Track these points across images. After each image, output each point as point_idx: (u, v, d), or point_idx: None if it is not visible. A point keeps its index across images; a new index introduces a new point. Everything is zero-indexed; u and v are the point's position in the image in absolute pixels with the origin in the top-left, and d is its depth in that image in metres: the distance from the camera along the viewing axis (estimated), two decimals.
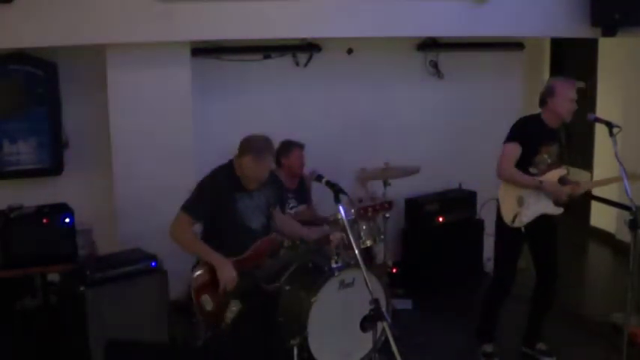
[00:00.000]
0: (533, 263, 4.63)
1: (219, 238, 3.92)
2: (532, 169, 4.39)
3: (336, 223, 4.46)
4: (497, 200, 4.52)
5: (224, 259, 3.86)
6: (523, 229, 4.41)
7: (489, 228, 5.53)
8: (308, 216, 5.13)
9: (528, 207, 4.39)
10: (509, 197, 4.42)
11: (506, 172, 4.38)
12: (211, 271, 3.86)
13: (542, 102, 4.41)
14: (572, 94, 4.34)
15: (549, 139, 4.40)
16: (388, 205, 4.59)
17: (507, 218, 4.43)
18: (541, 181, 4.34)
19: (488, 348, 4.63)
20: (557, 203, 4.40)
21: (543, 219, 4.42)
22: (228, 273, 3.82)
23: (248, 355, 3.97)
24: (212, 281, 3.86)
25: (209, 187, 3.95)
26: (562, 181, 4.42)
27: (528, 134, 4.37)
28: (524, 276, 4.82)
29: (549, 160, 4.40)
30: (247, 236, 4.00)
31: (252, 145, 3.93)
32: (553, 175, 4.39)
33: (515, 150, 4.35)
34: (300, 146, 5.17)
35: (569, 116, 4.37)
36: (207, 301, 3.89)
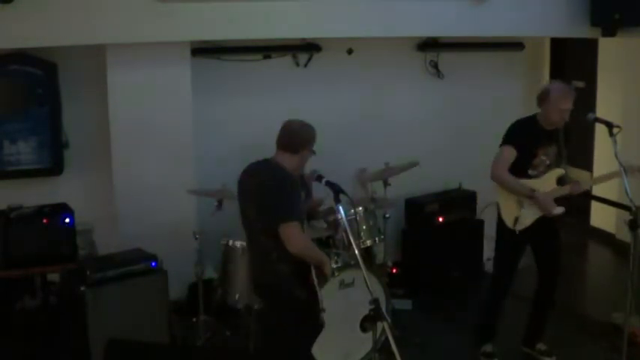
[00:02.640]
0: (537, 264, 4.59)
1: None
2: (531, 172, 4.36)
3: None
4: (497, 204, 4.48)
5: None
6: (518, 232, 4.36)
7: (489, 229, 5.54)
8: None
9: (529, 209, 4.35)
10: (509, 200, 4.39)
11: (499, 176, 4.35)
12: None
13: (539, 103, 4.35)
14: (565, 104, 4.21)
15: (546, 140, 4.35)
16: None
17: (509, 221, 4.39)
18: (533, 191, 4.28)
19: (488, 348, 4.62)
20: (557, 202, 4.37)
21: (545, 220, 4.38)
22: (330, 266, 3.72)
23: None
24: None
25: (295, 186, 3.71)
26: (561, 181, 4.41)
27: (524, 138, 4.32)
28: (525, 276, 4.80)
29: (548, 162, 4.37)
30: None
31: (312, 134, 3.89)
32: (551, 176, 4.37)
33: (509, 154, 4.31)
34: None
35: (560, 124, 4.30)
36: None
